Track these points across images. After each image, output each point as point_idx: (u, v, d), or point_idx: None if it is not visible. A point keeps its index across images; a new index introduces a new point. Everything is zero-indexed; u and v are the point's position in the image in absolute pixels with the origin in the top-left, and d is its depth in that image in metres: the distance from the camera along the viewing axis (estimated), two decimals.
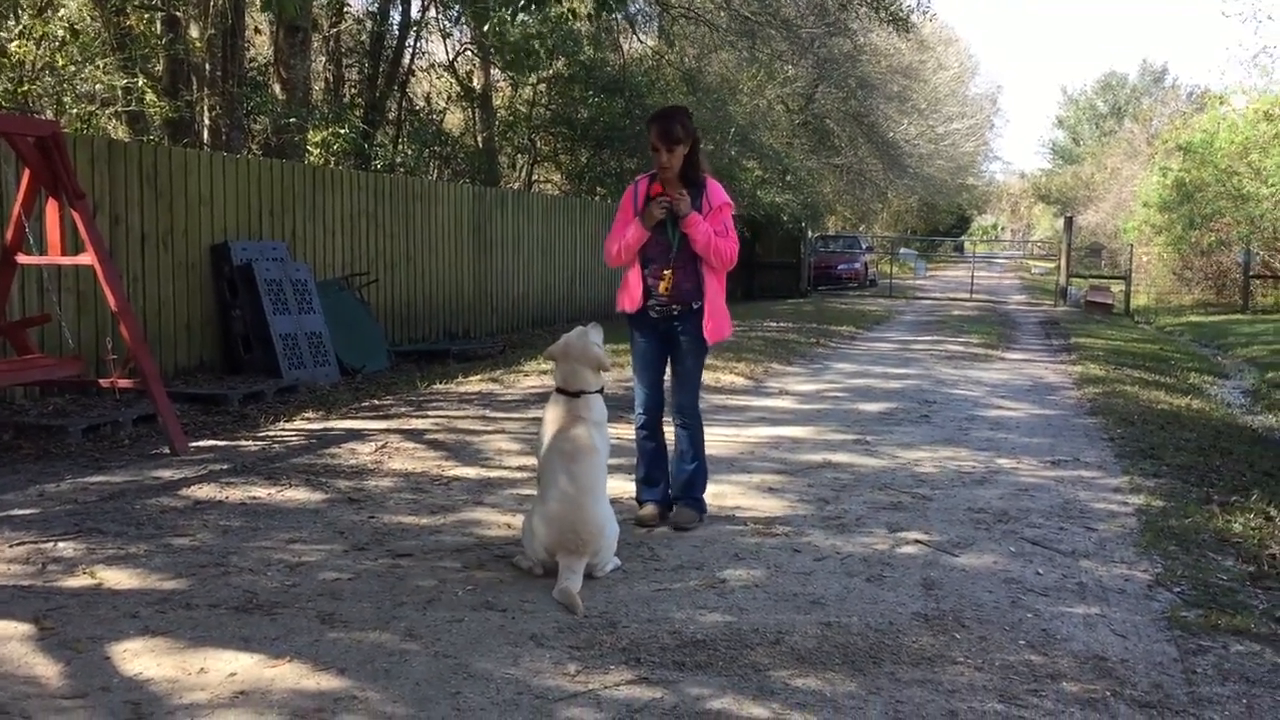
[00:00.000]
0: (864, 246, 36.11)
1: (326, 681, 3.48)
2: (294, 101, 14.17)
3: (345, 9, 19.10)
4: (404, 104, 20.19)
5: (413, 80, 21.36)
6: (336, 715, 3.25)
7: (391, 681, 3.49)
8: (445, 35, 21.04)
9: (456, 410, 8.69)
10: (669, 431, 5.57)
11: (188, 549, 4.84)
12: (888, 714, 3.38)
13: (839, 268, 32.81)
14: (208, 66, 14.38)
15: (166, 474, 6.31)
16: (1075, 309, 26.03)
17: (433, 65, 21.82)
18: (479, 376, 10.64)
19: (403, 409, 8.73)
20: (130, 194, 9.34)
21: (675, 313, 5.38)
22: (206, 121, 14.59)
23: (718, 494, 5.94)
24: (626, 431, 7.84)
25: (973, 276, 33.25)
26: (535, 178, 24.46)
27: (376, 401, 9.16)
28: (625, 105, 22.01)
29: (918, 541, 5.25)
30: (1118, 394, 10.54)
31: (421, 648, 3.77)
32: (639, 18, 24.70)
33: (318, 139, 15.67)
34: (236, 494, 5.85)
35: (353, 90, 19.25)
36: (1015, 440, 8.07)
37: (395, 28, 19.04)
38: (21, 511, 5.45)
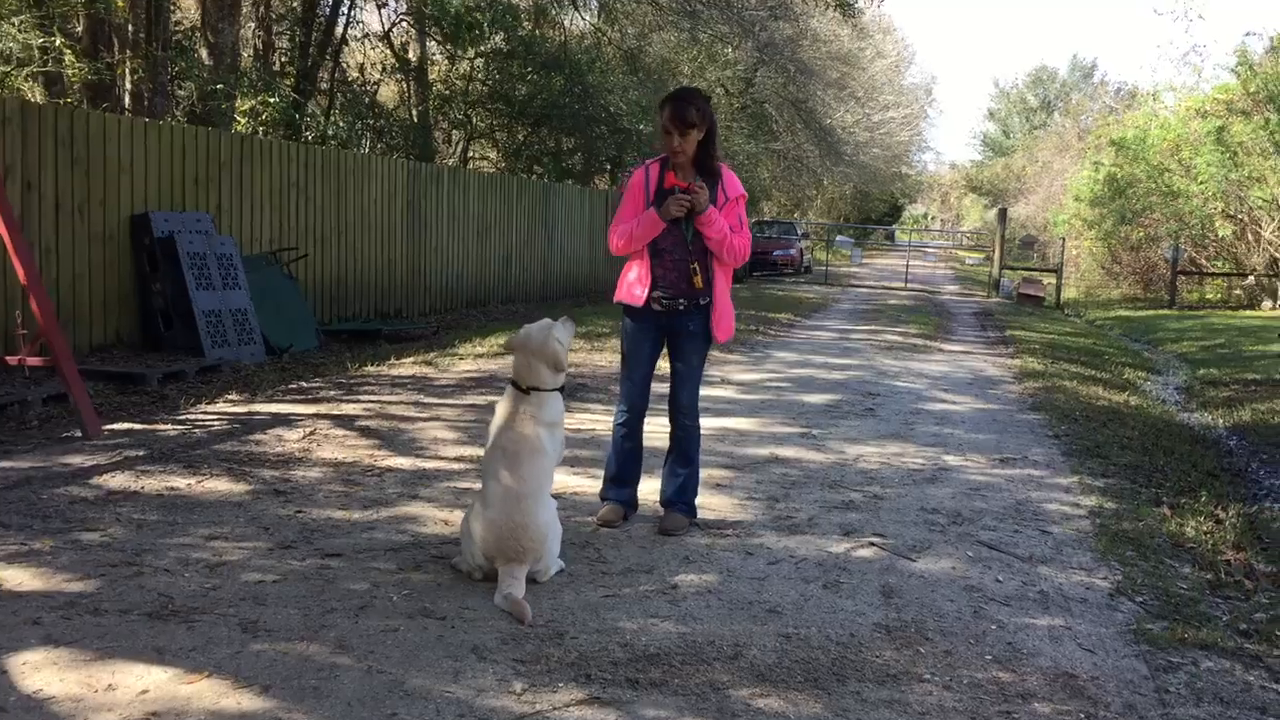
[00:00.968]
0: (799, 233, 36.07)
1: (249, 700, 3.18)
2: (221, 67, 13.62)
3: None
4: (336, 74, 19.60)
5: (346, 50, 20.77)
6: None
7: (321, 701, 3.19)
8: (380, 5, 20.48)
9: (389, 395, 8.34)
10: (656, 431, 5.27)
11: (98, 546, 4.48)
12: None
13: (775, 254, 32.68)
14: (130, 28, 13.73)
15: (77, 460, 5.90)
16: (1008, 300, 26.23)
17: (367, 35, 21.23)
18: (412, 359, 10.29)
19: (332, 392, 8.36)
20: (44, 160, 8.83)
21: (681, 307, 5.07)
22: (128, 86, 13.94)
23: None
24: (582, 422, 7.62)
25: (907, 266, 33.38)
26: (471, 154, 23.99)
27: (304, 384, 8.77)
28: (564, 83, 21.63)
29: (873, 545, 5.06)
30: (1058, 389, 10.50)
31: (353, 661, 3.48)
32: None
33: (246, 107, 15.11)
34: (153, 484, 5.47)
35: (284, 59, 18.64)
36: (962, 436, 7.94)
37: None
38: None
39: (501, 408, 4.45)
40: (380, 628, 3.77)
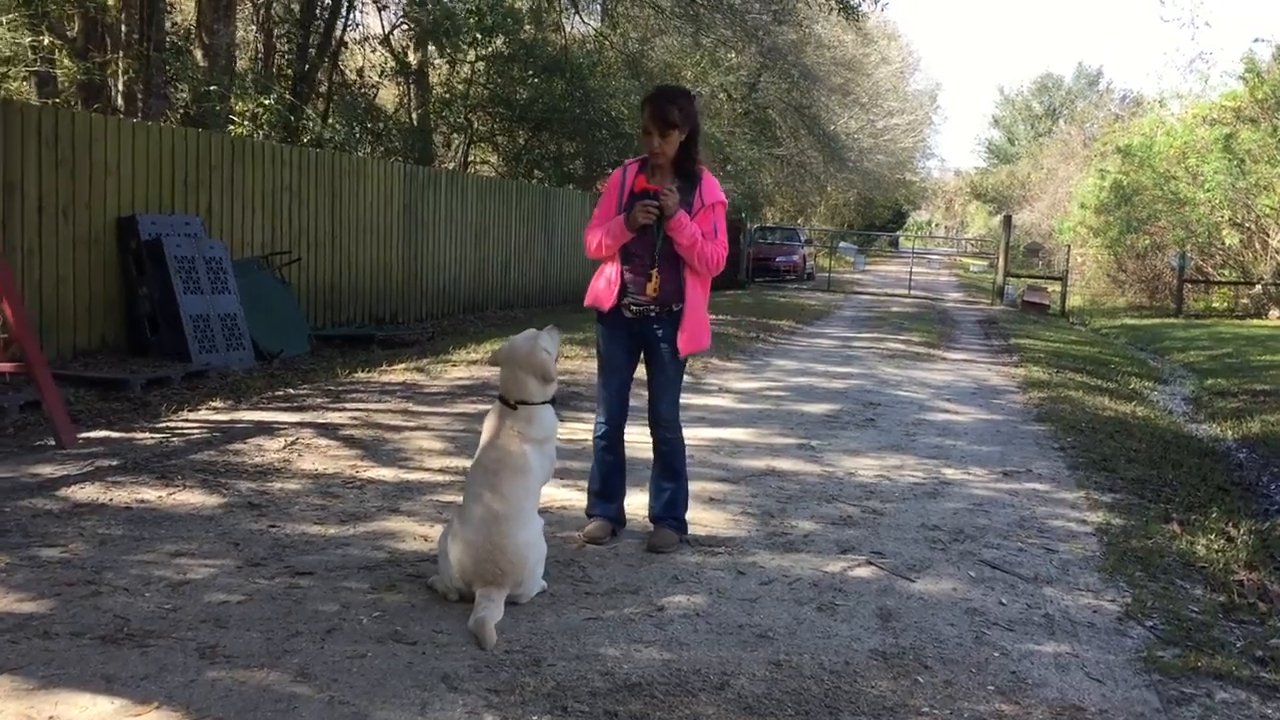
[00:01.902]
0: (802, 239, 35.84)
1: None
2: (215, 69, 13.42)
3: None
4: (334, 77, 19.42)
5: (346, 53, 20.59)
6: None
7: None
8: (381, 8, 20.30)
9: (377, 402, 8.14)
10: (635, 443, 5.07)
11: (56, 563, 4.27)
12: None
13: (777, 260, 32.46)
14: (124, 28, 13.54)
15: (47, 470, 5.69)
16: (1012, 308, 25.99)
17: (367, 38, 21.05)
18: (404, 365, 10.08)
19: (319, 400, 8.15)
20: (27, 160, 8.64)
21: (653, 314, 4.82)
22: (120, 86, 13.76)
23: None
24: (574, 431, 7.41)
25: (911, 273, 33.15)
26: (471, 158, 23.80)
27: (291, 390, 8.57)
28: (565, 87, 21.44)
29: (870, 564, 4.85)
30: (1063, 399, 10.28)
31: (314, 691, 3.27)
32: None
33: (244, 110, 14.92)
34: (122, 496, 5.26)
35: (283, 61, 18.46)
36: (964, 448, 7.72)
37: None
38: None
39: (488, 424, 4.25)
40: (347, 653, 3.56)
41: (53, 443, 6.26)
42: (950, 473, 6.86)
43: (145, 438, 6.59)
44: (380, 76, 21.45)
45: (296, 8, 18.47)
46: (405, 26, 20.72)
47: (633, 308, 4.83)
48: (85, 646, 3.50)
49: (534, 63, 21.43)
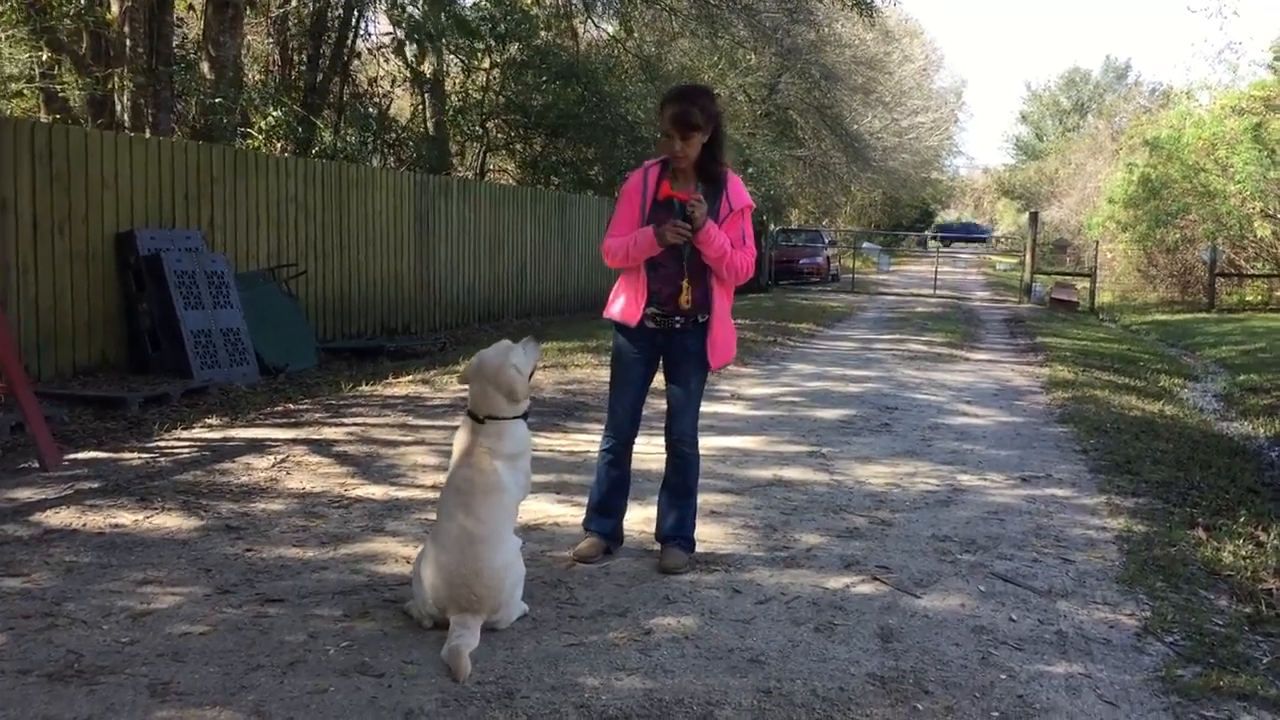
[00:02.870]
0: (826, 240, 35.51)
1: None
2: (223, 81, 13.32)
3: None
4: (345, 87, 19.31)
5: (360, 63, 20.49)
6: None
7: None
8: (396, 23, 20.16)
9: (377, 417, 7.95)
10: (652, 453, 4.84)
11: (16, 594, 4.09)
12: None
13: (801, 262, 32.16)
14: (129, 43, 13.47)
15: (25, 494, 5.53)
16: (1040, 306, 25.58)
17: (380, 47, 20.94)
18: (410, 377, 9.90)
19: (318, 415, 7.98)
20: (20, 176, 8.52)
21: (678, 325, 4.58)
22: (125, 102, 13.68)
23: (653, 519, 5.23)
24: (561, 442, 7.20)
25: (936, 272, 32.74)
26: (489, 167, 23.66)
27: (291, 405, 8.40)
28: (581, 92, 21.27)
29: (875, 579, 4.60)
30: (1088, 399, 9.97)
31: None
32: (597, 3, 23.92)
33: (261, 123, 14.80)
34: (97, 520, 5.08)
35: (294, 72, 18.38)
36: (982, 452, 7.45)
37: (339, 7, 18.16)
38: None
39: (458, 440, 4.03)
40: (308, 688, 3.35)
41: (36, 465, 6.10)
42: (965, 479, 6.60)
43: (133, 458, 6.43)
44: (392, 86, 21.34)
45: (307, 18, 18.37)
46: (408, 37, 20.59)
47: (657, 319, 4.59)
48: (30, 685, 3.31)
49: (549, 69, 21.28)
